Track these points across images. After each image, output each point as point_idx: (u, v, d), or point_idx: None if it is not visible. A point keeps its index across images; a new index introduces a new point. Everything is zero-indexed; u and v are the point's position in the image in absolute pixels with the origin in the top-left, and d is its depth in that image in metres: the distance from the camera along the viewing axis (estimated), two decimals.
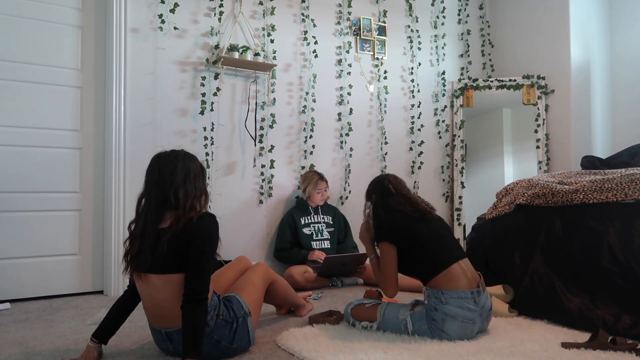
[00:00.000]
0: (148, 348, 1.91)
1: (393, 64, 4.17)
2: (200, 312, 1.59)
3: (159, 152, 1.75)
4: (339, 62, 3.90)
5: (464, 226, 4.28)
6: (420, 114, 4.29)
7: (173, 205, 1.64)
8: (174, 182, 1.65)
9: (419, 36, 4.32)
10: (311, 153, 3.72)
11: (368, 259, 2.28)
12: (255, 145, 3.46)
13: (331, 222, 3.50)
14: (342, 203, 3.86)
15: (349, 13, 3.95)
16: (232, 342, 1.74)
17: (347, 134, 3.90)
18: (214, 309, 1.70)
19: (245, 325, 1.78)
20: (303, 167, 3.68)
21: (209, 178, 3.25)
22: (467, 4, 4.65)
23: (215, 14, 3.34)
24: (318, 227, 3.44)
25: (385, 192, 2.20)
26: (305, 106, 3.72)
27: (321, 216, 3.48)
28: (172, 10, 3.14)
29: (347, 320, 2.19)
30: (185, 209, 1.64)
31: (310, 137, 3.72)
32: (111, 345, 1.94)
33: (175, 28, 3.18)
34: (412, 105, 4.26)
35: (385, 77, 4.11)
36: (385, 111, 4.10)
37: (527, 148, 4.32)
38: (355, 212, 3.89)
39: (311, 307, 2.50)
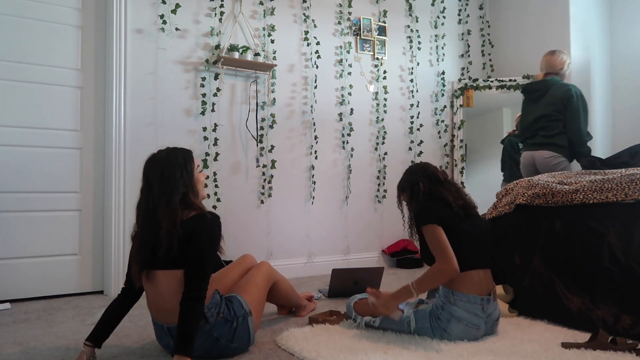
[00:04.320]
0: (148, 348, 1.91)
1: (393, 64, 4.17)
2: (196, 310, 1.60)
3: (149, 156, 1.77)
4: (339, 62, 3.90)
5: None
6: (419, 113, 4.29)
7: (165, 207, 1.65)
8: (158, 186, 1.67)
9: (419, 36, 4.32)
10: (311, 153, 3.72)
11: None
12: (257, 145, 3.47)
13: None
14: (347, 204, 3.87)
15: (349, 13, 3.95)
16: (231, 341, 1.75)
17: (348, 134, 3.90)
18: (215, 307, 1.71)
19: (245, 324, 1.78)
20: (314, 167, 3.69)
21: (209, 179, 3.25)
22: (467, 4, 4.65)
23: (215, 14, 3.34)
24: None
25: (435, 178, 2.08)
26: (310, 106, 3.71)
27: None
28: (174, 11, 3.14)
29: (350, 314, 2.17)
30: (166, 208, 1.65)
31: (314, 137, 3.72)
32: (111, 345, 1.94)
33: (177, 29, 3.18)
34: (412, 105, 4.26)
35: (385, 77, 4.11)
36: (385, 111, 4.10)
37: None
38: (357, 212, 3.90)
39: (314, 307, 2.51)
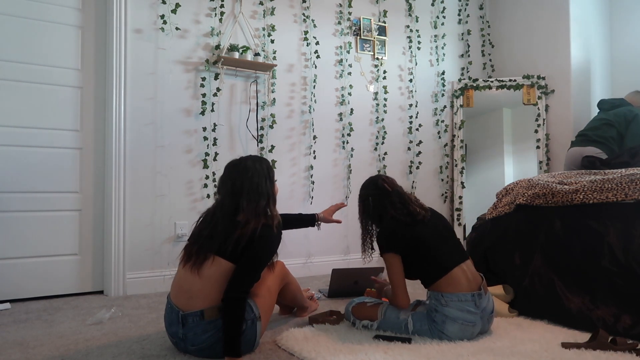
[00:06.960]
0: (148, 348, 1.91)
1: (393, 64, 4.17)
2: (240, 309, 1.69)
3: (231, 161, 1.93)
4: (340, 62, 3.90)
5: (464, 226, 4.28)
6: (419, 113, 4.29)
7: (243, 210, 1.81)
8: (242, 190, 1.82)
9: (419, 36, 4.33)
10: (311, 154, 3.72)
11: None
12: (257, 145, 3.47)
13: None
14: (347, 204, 3.85)
15: (349, 13, 3.95)
16: None
17: (348, 134, 3.90)
18: None
19: (253, 328, 1.79)
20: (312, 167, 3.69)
21: (209, 179, 3.26)
22: (467, 4, 4.65)
23: (215, 14, 3.34)
24: None
25: (382, 191, 2.16)
26: (309, 106, 3.71)
27: None
28: (174, 11, 3.14)
29: (348, 318, 2.18)
30: (252, 213, 1.80)
31: (313, 137, 3.72)
32: (111, 344, 1.94)
33: (177, 28, 3.18)
34: (411, 105, 4.26)
35: (385, 77, 4.11)
36: (385, 111, 4.10)
37: (527, 148, 4.32)
38: (357, 212, 3.89)
39: (316, 307, 2.51)
